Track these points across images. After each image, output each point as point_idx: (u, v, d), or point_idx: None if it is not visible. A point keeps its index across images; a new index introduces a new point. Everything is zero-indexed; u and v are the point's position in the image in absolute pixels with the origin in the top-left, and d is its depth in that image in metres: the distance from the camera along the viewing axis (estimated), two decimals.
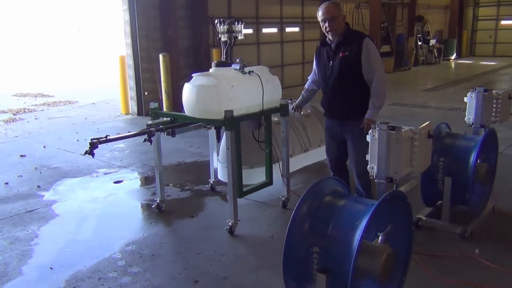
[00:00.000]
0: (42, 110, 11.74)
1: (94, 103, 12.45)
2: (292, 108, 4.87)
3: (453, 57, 23.95)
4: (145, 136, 4.25)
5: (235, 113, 4.13)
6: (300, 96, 4.86)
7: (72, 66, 23.33)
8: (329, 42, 4.27)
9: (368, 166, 3.11)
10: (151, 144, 4.38)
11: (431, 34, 22.68)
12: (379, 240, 2.73)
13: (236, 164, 4.28)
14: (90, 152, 3.84)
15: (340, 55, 4.11)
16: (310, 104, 6.34)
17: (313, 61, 4.56)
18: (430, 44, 21.94)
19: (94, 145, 3.84)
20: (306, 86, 4.79)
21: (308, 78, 4.73)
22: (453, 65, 22.52)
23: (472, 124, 4.67)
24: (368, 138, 3.11)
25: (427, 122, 3.23)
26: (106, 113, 10.99)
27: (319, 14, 4.13)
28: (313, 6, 15.60)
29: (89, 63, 23.92)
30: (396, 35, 19.46)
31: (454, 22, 24.65)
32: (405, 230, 3.01)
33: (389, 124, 2.93)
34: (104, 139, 3.94)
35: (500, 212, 4.64)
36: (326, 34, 4.22)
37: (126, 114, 10.71)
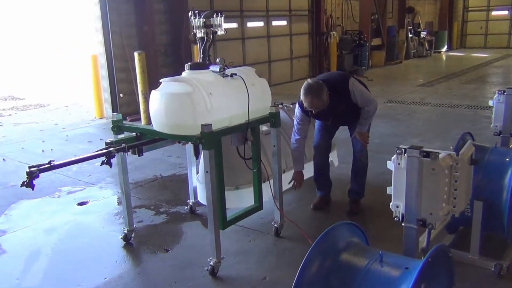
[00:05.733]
0: (9, 115, 10.76)
1: (67, 106, 11.51)
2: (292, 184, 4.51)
3: (444, 49, 23.37)
4: (103, 159, 3.40)
5: (215, 127, 3.31)
6: (297, 157, 4.49)
7: (49, 66, 22.17)
8: None
9: (392, 204, 2.32)
10: (111, 167, 3.53)
11: (421, 26, 22.02)
12: None
13: (217, 190, 3.45)
14: (29, 184, 3.00)
15: (338, 109, 4.29)
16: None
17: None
18: (421, 37, 21.29)
19: (33, 174, 2.99)
20: (296, 144, 4.44)
21: (294, 135, 4.44)
22: (444, 57, 21.90)
23: (501, 133, 3.90)
24: (390, 165, 2.32)
25: (468, 143, 2.45)
26: (78, 118, 10.06)
27: (303, 101, 4.10)
28: None
29: (67, 63, 22.77)
30: (386, 27, 18.74)
31: (444, 13, 24.09)
32: None
33: (422, 149, 2.14)
34: (48, 165, 3.09)
35: None
36: None
37: (100, 118, 9.81)
